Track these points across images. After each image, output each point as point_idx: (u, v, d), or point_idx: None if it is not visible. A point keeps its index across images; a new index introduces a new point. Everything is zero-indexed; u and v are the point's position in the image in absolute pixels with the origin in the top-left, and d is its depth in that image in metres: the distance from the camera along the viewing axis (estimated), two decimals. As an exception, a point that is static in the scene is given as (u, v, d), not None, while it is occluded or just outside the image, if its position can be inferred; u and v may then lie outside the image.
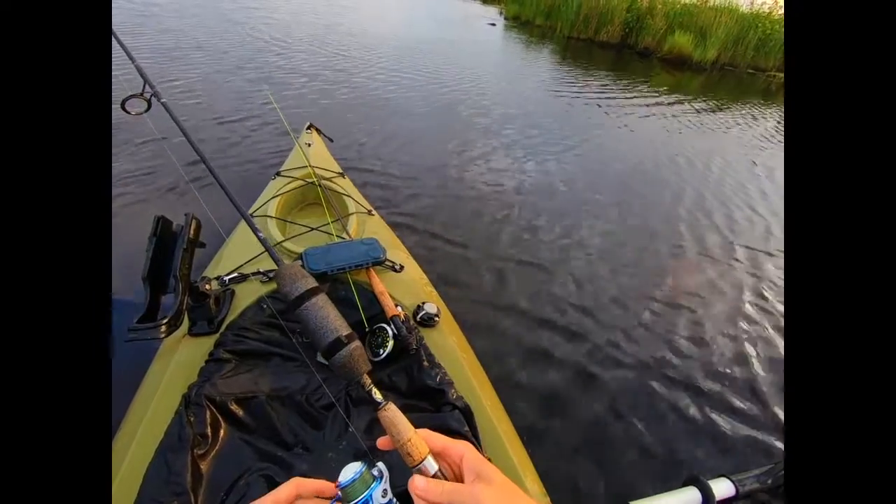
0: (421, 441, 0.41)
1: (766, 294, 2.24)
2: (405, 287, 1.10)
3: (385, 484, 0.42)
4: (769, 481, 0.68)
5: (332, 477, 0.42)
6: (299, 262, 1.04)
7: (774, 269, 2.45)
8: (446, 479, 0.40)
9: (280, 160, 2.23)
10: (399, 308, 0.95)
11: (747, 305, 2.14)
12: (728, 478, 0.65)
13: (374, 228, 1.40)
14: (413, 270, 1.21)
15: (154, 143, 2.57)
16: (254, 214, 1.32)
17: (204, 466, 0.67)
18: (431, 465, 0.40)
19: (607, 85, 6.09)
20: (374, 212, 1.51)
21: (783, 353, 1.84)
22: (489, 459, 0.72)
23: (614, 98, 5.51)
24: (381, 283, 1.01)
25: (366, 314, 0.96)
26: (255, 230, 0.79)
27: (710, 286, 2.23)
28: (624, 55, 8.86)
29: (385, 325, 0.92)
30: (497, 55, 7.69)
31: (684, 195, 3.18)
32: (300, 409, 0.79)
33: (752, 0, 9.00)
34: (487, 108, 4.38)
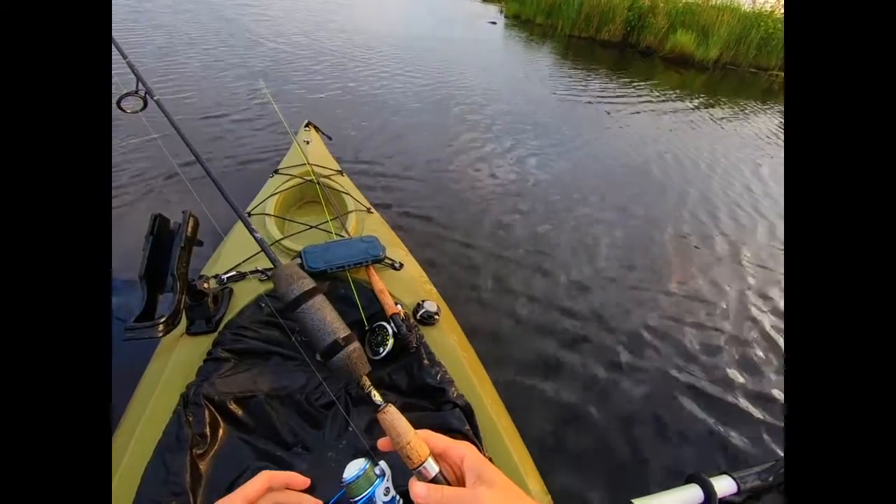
0: (421, 443, 0.41)
1: (767, 292, 2.24)
2: (405, 285, 1.09)
3: (387, 482, 0.42)
4: (770, 478, 0.68)
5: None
6: (298, 260, 1.04)
7: (777, 268, 2.45)
8: (447, 480, 0.40)
9: (278, 158, 2.22)
10: (399, 306, 0.95)
11: (749, 304, 2.14)
12: (730, 475, 0.65)
13: (374, 226, 1.39)
14: (413, 268, 1.20)
15: (150, 141, 2.56)
16: (252, 212, 1.31)
17: (203, 466, 0.66)
18: (432, 466, 0.40)
19: (608, 85, 6.08)
20: (373, 210, 1.51)
21: (783, 350, 1.85)
22: (490, 458, 0.72)
23: (616, 97, 5.50)
24: (380, 282, 1.01)
25: (365, 312, 0.96)
26: (251, 230, 0.78)
27: (713, 285, 2.23)
28: (626, 54, 8.84)
29: (385, 324, 0.92)
30: (498, 54, 7.67)
31: (688, 196, 3.16)
32: (300, 408, 0.78)
33: (754, -2, 9.01)
34: (487, 107, 4.37)
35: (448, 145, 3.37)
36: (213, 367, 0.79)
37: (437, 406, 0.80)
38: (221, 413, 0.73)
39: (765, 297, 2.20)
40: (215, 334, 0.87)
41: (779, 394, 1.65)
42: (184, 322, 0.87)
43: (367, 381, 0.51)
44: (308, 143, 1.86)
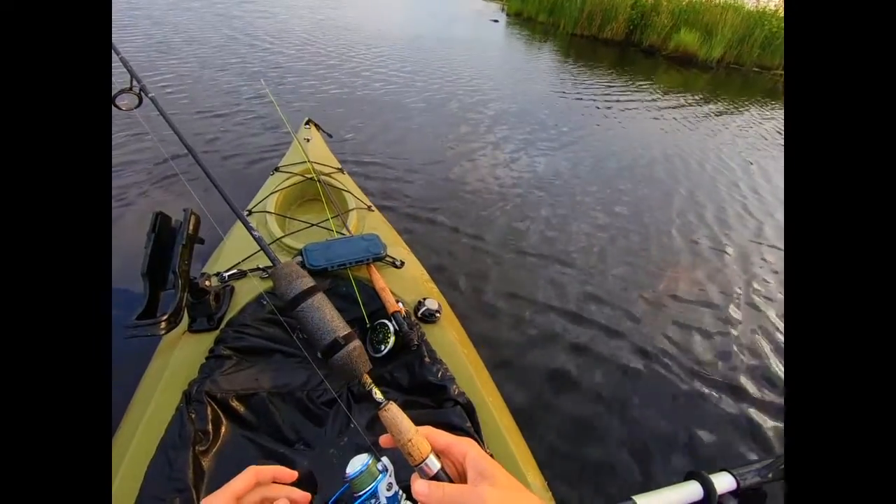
0: (422, 440, 0.41)
1: (769, 289, 2.24)
2: (406, 283, 1.09)
3: (390, 478, 0.42)
4: (770, 475, 0.68)
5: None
6: (299, 258, 1.04)
7: (778, 264, 2.45)
8: (449, 477, 0.40)
9: (278, 155, 2.22)
10: (400, 304, 0.95)
11: (751, 300, 2.14)
12: (729, 472, 0.65)
13: (374, 224, 1.39)
14: (414, 266, 1.20)
15: (148, 139, 2.56)
16: (253, 210, 1.31)
17: (205, 463, 0.67)
18: (434, 463, 0.40)
19: (611, 85, 6.07)
20: (373, 207, 1.51)
21: (783, 346, 1.85)
22: (491, 455, 0.73)
23: (618, 97, 5.49)
24: (381, 279, 1.01)
25: (367, 310, 0.96)
26: (249, 229, 0.78)
27: (715, 280, 2.23)
28: (629, 53, 8.81)
29: (386, 322, 0.92)
30: (499, 52, 7.66)
31: (694, 198, 3.15)
32: (301, 405, 0.79)
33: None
34: (488, 106, 4.37)
35: (448, 145, 3.37)
36: (215, 365, 0.79)
37: (438, 403, 0.81)
38: (224, 410, 0.73)
39: (770, 299, 2.19)
40: (217, 332, 0.87)
41: (779, 389, 1.65)
42: (186, 320, 0.88)
43: (368, 379, 0.51)
44: (308, 140, 1.86)
